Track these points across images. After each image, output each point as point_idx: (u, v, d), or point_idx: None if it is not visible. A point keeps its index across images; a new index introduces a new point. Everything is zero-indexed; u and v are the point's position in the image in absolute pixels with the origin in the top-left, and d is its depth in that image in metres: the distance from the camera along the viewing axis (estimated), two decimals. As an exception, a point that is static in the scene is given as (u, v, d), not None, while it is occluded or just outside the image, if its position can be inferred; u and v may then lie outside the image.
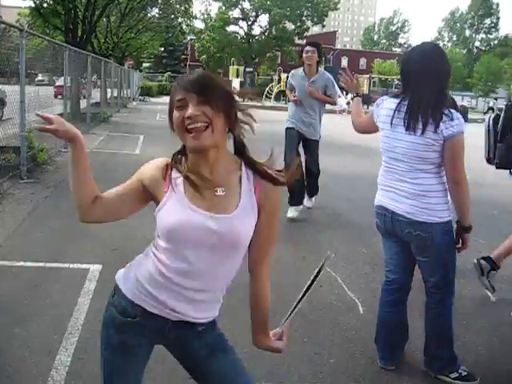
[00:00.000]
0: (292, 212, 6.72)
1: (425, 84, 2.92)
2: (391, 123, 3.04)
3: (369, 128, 3.42)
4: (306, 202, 7.17)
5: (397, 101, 3.05)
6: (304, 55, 6.66)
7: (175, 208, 1.70)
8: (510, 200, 8.72)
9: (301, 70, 6.82)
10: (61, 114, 12.54)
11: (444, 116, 2.85)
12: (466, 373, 3.22)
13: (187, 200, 1.70)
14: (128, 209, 1.82)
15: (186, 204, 1.69)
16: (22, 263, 4.75)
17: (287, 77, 7.13)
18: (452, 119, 2.85)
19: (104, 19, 27.31)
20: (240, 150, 1.78)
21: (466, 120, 22.88)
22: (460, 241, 3.10)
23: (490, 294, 4.67)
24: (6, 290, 4.19)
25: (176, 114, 1.69)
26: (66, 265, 4.79)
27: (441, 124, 2.84)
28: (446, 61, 3.03)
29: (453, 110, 2.91)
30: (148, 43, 40.52)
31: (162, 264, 1.74)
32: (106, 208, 1.80)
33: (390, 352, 3.36)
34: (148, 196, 1.80)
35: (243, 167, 1.76)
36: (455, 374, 3.21)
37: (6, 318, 3.71)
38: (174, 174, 1.75)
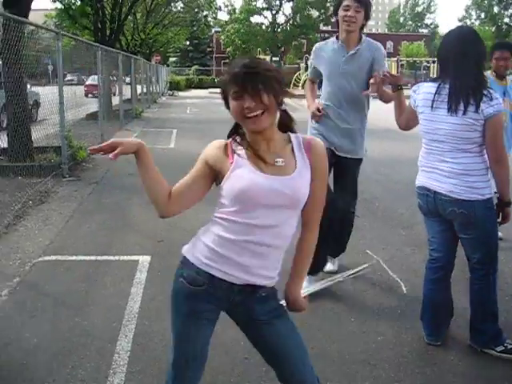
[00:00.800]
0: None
1: (465, 67, 3.00)
2: (432, 106, 3.12)
3: (413, 120, 3.41)
4: (329, 265, 4.66)
5: (436, 84, 3.14)
6: (341, 13, 3.94)
7: (243, 173, 1.88)
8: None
9: (332, 40, 4.22)
10: (96, 112, 12.87)
11: (484, 96, 2.92)
12: (511, 346, 3.30)
13: (253, 167, 1.89)
14: (198, 194, 2.00)
15: (252, 170, 1.88)
16: (74, 257, 4.97)
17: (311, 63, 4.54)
18: (491, 99, 2.93)
19: (130, 17, 27.62)
20: (288, 122, 2.00)
21: None
22: (501, 215, 3.18)
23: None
24: (62, 283, 4.41)
25: (234, 103, 1.87)
26: (116, 257, 4.99)
27: (481, 104, 2.92)
28: (482, 43, 3.10)
29: (491, 90, 2.99)
30: (174, 38, 40.91)
31: (234, 223, 1.90)
32: (180, 201, 1.99)
33: (435, 328, 3.46)
34: (214, 176, 1.98)
35: (293, 138, 1.98)
36: (501, 348, 3.29)
37: (66, 310, 3.93)
38: (236, 149, 1.94)
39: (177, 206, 2.00)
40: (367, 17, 3.98)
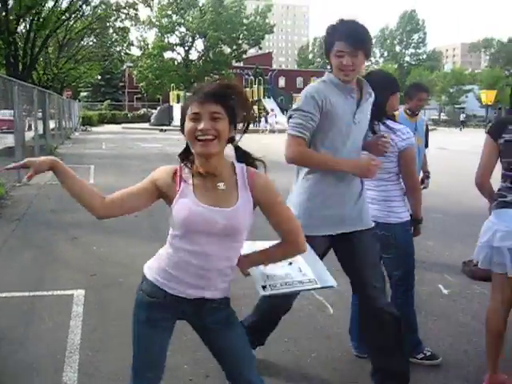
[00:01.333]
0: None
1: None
2: None
3: None
4: None
5: None
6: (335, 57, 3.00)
7: (187, 204, 2.06)
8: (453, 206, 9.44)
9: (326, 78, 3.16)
10: (6, 148, 12.61)
11: (395, 130, 3.36)
12: (429, 353, 3.69)
13: (196, 198, 2.07)
14: (138, 205, 2.16)
15: (195, 201, 2.06)
16: (5, 294, 4.94)
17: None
18: (403, 133, 3.36)
19: (43, 51, 27.23)
20: (238, 149, 2.19)
21: None
22: (413, 230, 3.66)
23: (441, 287, 5.23)
24: (1, 319, 4.39)
25: (189, 124, 2.02)
26: (50, 292, 5.01)
27: (394, 137, 3.33)
28: (380, 83, 3.47)
29: (403, 126, 3.43)
30: (87, 72, 40.51)
31: (180, 249, 2.11)
32: (118, 204, 2.15)
33: (362, 342, 3.78)
34: (158, 195, 2.15)
35: (237, 170, 2.12)
36: (421, 355, 3.67)
37: (7, 345, 3.93)
38: (183, 174, 2.12)
39: (113, 209, 2.15)
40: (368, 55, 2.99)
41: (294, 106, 3.06)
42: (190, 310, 2.19)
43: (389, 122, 3.44)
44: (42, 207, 9.31)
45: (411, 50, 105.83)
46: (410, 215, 3.62)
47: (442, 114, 68.63)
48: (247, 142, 2.17)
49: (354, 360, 3.76)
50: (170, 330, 2.26)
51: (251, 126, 2.31)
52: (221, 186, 2.08)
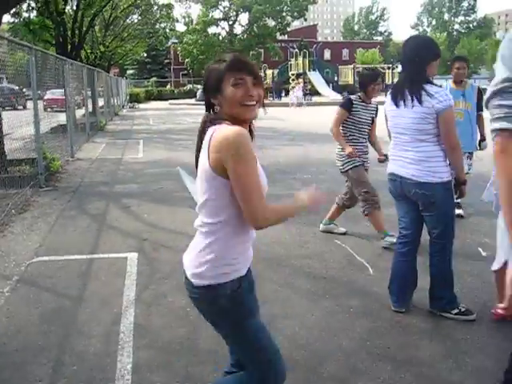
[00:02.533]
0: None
1: (406, 68, 3.68)
2: (390, 104, 3.75)
3: None
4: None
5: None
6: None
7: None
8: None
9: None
10: (59, 126, 13.10)
11: (433, 93, 3.51)
12: (464, 309, 3.85)
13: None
14: None
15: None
16: (65, 257, 5.33)
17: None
18: (441, 96, 3.51)
19: (90, 30, 27.79)
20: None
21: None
22: (458, 193, 3.81)
23: (481, 250, 5.33)
24: (59, 279, 4.77)
25: (233, 90, 1.98)
26: (106, 255, 5.37)
27: (431, 100, 3.49)
28: (421, 48, 3.64)
29: (441, 88, 3.56)
30: (132, 50, 41.00)
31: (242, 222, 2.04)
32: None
33: (401, 296, 3.98)
34: None
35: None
36: (456, 310, 3.84)
37: (68, 301, 4.30)
38: None
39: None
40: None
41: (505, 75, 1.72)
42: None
43: (427, 87, 3.56)
44: (94, 180, 9.74)
45: (461, 18, 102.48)
46: (455, 179, 3.77)
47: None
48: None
49: (390, 314, 3.95)
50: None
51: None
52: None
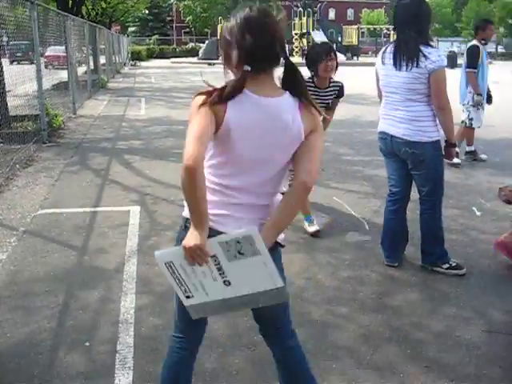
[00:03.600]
0: None
1: (406, 32, 3.66)
2: (383, 63, 3.77)
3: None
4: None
5: (389, 45, 3.78)
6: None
7: None
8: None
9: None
10: (61, 83, 13.10)
11: (426, 54, 3.53)
12: (455, 263, 3.99)
13: None
14: None
15: None
16: (70, 209, 5.47)
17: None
18: (434, 56, 3.54)
19: (91, -15, 27.42)
20: None
21: (455, 65, 23.76)
22: (446, 153, 3.87)
23: (475, 209, 5.46)
24: (64, 230, 4.91)
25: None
26: (109, 208, 5.51)
27: (424, 60, 3.53)
28: (424, 13, 3.69)
29: (434, 49, 3.60)
30: (134, 6, 40.43)
31: None
32: None
33: (393, 251, 4.12)
34: None
35: None
36: (446, 265, 3.98)
37: (73, 250, 4.45)
38: None
39: None
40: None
41: None
42: None
43: (423, 48, 3.61)
44: (96, 136, 9.82)
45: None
46: (445, 140, 3.84)
47: (499, 46, 65.79)
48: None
49: (384, 268, 4.10)
50: None
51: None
52: None
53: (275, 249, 2.03)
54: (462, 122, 7.45)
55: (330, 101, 4.77)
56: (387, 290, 3.78)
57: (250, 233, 1.82)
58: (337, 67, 4.56)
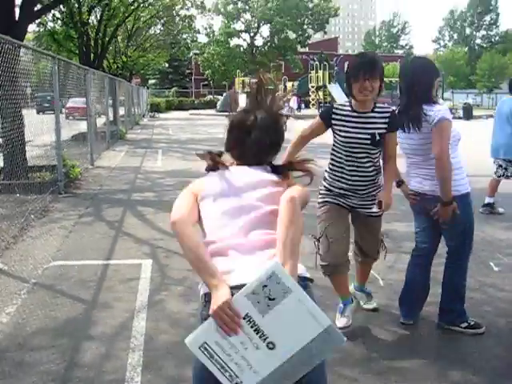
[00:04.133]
0: None
1: (407, 92, 3.75)
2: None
3: None
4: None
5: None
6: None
7: None
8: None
9: None
10: (80, 134, 13.33)
11: (427, 113, 3.58)
12: (473, 322, 3.87)
13: None
14: None
15: None
16: (82, 262, 5.45)
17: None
18: (433, 113, 3.57)
19: (112, 40, 28.24)
20: None
21: (471, 117, 24.00)
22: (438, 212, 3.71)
23: (492, 265, 5.34)
24: (75, 283, 4.88)
25: None
26: (121, 261, 5.48)
27: (426, 120, 3.58)
28: (427, 74, 3.71)
29: (435, 106, 3.62)
30: (154, 60, 41.51)
31: None
32: None
33: (412, 309, 4.01)
34: None
35: None
36: (465, 324, 3.85)
37: (82, 304, 4.41)
38: None
39: None
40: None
41: None
42: None
43: (426, 107, 3.61)
44: (112, 187, 9.91)
45: (482, 32, 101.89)
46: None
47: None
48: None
49: (398, 326, 3.99)
50: None
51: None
52: None
53: (305, 287, 1.86)
54: (498, 175, 7.55)
55: (377, 132, 3.65)
56: (400, 350, 3.66)
57: (273, 269, 1.66)
58: (380, 92, 3.61)
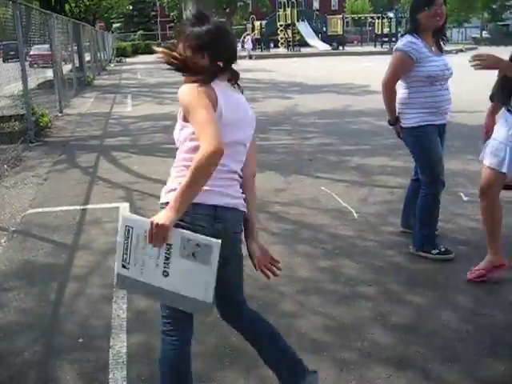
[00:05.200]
0: None
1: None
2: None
3: None
4: None
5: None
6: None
7: None
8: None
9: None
10: (46, 82, 13.03)
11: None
12: (444, 249, 4.03)
13: None
14: None
15: None
16: (59, 208, 5.47)
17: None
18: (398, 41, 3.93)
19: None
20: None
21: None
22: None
23: (462, 195, 5.51)
24: (55, 228, 4.91)
25: None
26: (98, 205, 5.51)
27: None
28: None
29: (404, 37, 3.87)
30: (118, 2, 40.25)
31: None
32: None
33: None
34: None
35: None
36: (436, 251, 4.01)
37: (63, 250, 4.46)
38: None
39: None
40: None
41: None
42: None
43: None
44: (84, 134, 9.82)
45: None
46: None
47: (483, 31, 66.03)
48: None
49: (372, 253, 4.15)
50: None
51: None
52: None
53: (239, 261, 2.26)
54: None
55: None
56: (380, 270, 3.83)
57: (213, 243, 1.92)
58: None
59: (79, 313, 3.41)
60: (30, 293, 3.69)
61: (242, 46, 37.20)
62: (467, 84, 11.64)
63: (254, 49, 39.93)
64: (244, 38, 39.93)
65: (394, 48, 3.83)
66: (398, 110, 3.97)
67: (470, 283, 3.60)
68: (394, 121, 4.02)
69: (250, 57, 36.28)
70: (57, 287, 3.77)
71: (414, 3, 3.87)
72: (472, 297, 3.46)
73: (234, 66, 2.19)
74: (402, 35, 3.91)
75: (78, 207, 5.48)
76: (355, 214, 5.03)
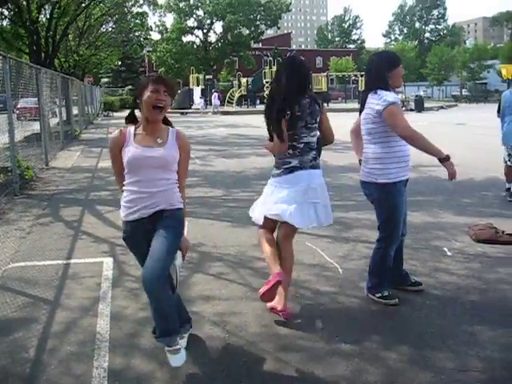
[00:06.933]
0: None
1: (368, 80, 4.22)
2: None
3: None
4: None
5: None
6: None
7: (130, 149, 3.11)
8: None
9: None
10: (33, 135, 13.07)
11: (378, 96, 3.96)
12: (387, 293, 4.20)
13: (137, 143, 3.12)
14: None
15: (136, 145, 3.12)
16: (42, 262, 5.40)
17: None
18: (382, 97, 3.92)
19: (63, 38, 27.72)
20: (167, 121, 3.30)
21: (423, 109, 24.75)
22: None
23: (446, 250, 5.55)
24: (36, 283, 4.84)
25: (150, 94, 3.05)
26: (82, 260, 5.46)
27: (375, 101, 3.95)
28: (379, 57, 4.16)
29: (387, 92, 3.95)
30: (107, 58, 40.93)
31: (130, 184, 3.19)
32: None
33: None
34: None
35: (170, 130, 3.24)
36: (379, 295, 4.21)
37: (45, 306, 4.38)
38: (127, 133, 3.17)
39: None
40: None
41: None
42: (150, 226, 3.17)
43: (379, 91, 3.96)
44: (69, 187, 9.79)
45: (431, 26, 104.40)
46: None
47: (463, 89, 67.95)
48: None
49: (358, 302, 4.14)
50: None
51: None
52: (158, 140, 3.15)
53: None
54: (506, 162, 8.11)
55: None
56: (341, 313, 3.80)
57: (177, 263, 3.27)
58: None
59: (57, 372, 3.33)
60: (5, 351, 3.60)
61: (210, 103, 40.41)
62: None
63: (222, 105, 42.54)
64: (212, 94, 42.29)
65: (388, 103, 3.84)
66: (371, 166, 4.06)
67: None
68: (447, 155, 3.90)
69: (215, 112, 39.04)
70: (35, 343, 3.69)
71: (383, 64, 4.02)
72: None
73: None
74: (374, 92, 3.96)
75: (60, 262, 5.42)
76: (340, 270, 5.03)
